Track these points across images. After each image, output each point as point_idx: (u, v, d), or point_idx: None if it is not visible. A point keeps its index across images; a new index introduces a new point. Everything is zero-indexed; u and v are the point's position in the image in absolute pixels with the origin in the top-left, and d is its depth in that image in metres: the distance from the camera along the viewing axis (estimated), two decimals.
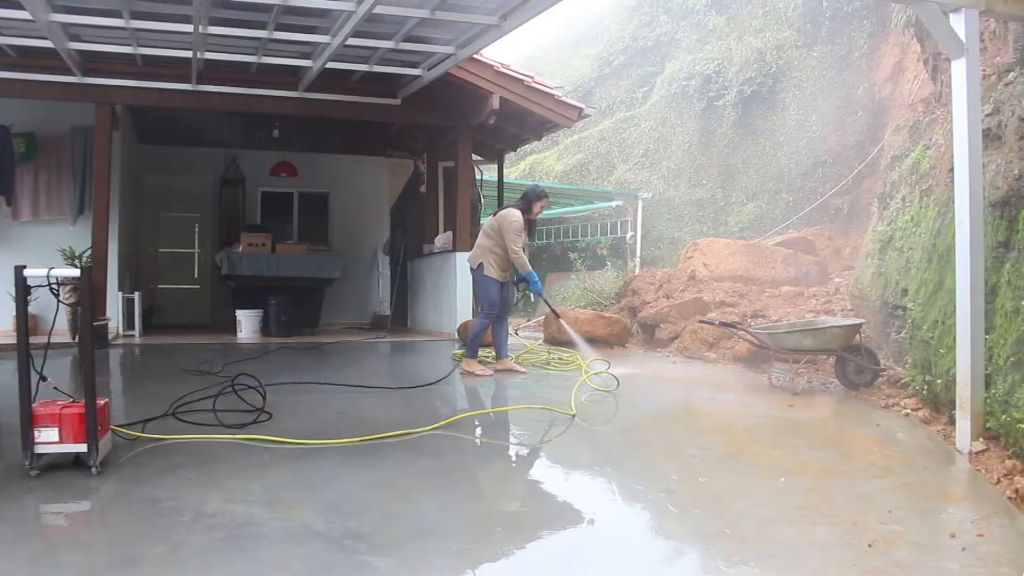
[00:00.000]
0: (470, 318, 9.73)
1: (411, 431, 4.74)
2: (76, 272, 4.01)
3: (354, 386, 6.30)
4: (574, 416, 5.33)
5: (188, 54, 8.27)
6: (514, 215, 6.92)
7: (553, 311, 7.78)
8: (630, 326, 9.73)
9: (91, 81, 8.83)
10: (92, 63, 8.76)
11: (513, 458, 4.75)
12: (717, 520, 3.36)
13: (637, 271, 14.30)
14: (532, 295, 11.64)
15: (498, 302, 7.07)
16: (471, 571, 2.85)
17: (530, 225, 7.22)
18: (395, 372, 8.08)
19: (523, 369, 7.31)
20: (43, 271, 3.68)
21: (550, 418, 5.35)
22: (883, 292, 7.01)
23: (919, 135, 7.59)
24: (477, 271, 7.12)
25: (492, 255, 7.00)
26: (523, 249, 6.99)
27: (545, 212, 7.25)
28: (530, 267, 6.97)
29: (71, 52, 8.17)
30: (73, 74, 8.61)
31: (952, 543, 3.07)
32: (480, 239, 7.17)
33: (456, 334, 9.73)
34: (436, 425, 4.91)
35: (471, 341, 7.19)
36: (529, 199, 7.07)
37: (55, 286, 3.77)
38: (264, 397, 5.19)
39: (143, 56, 8.49)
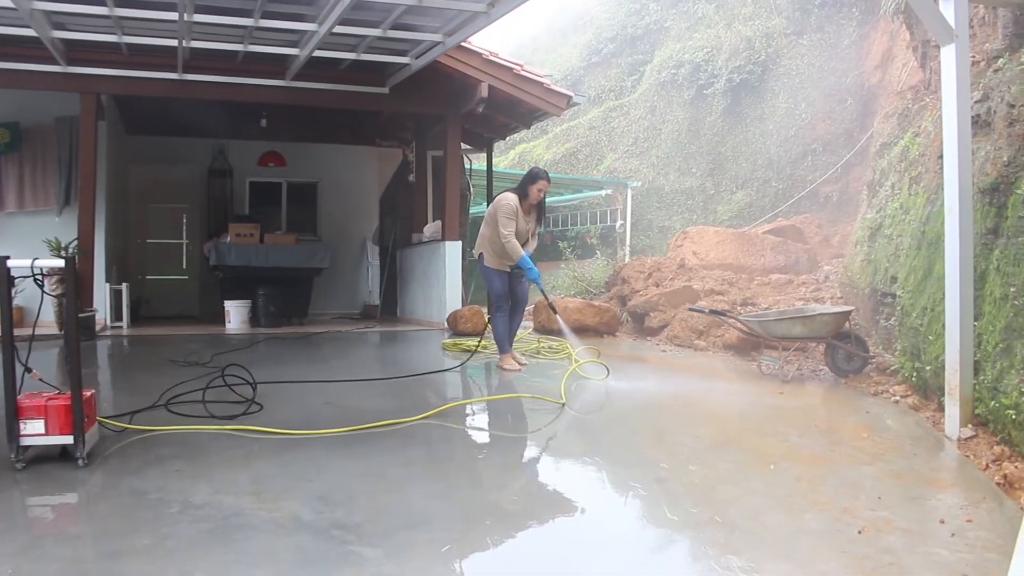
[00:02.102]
0: (459, 307, 9.70)
1: (400, 420, 4.72)
2: (60, 263, 3.96)
3: (368, 379, 6.27)
4: (564, 405, 5.32)
5: (174, 43, 8.18)
6: (508, 198, 6.59)
7: (549, 304, 7.35)
8: (620, 315, 9.73)
9: (76, 70, 8.72)
10: (77, 52, 8.65)
11: (503, 447, 4.75)
12: (707, 508, 3.36)
13: (627, 260, 14.32)
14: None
15: (502, 293, 6.77)
16: (460, 561, 2.84)
17: (537, 210, 6.83)
18: (386, 362, 8.05)
19: (519, 367, 6.99)
20: (27, 262, 3.64)
21: (540, 407, 5.34)
22: (872, 279, 7.02)
23: (908, 122, 7.60)
24: (479, 262, 6.88)
25: (490, 243, 6.71)
26: (533, 236, 6.76)
27: None
28: (522, 252, 6.52)
29: (55, 41, 8.07)
30: (57, 63, 8.51)
31: (941, 529, 3.08)
32: (482, 228, 6.89)
33: (445, 323, 9.70)
34: (425, 414, 4.90)
35: (495, 337, 6.97)
36: (525, 182, 6.68)
37: (39, 277, 3.73)
38: (254, 388, 5.16)
39: (128, 45, 8.40)
